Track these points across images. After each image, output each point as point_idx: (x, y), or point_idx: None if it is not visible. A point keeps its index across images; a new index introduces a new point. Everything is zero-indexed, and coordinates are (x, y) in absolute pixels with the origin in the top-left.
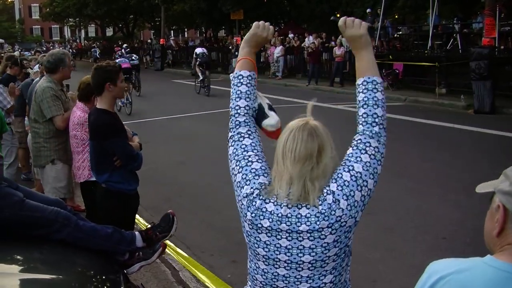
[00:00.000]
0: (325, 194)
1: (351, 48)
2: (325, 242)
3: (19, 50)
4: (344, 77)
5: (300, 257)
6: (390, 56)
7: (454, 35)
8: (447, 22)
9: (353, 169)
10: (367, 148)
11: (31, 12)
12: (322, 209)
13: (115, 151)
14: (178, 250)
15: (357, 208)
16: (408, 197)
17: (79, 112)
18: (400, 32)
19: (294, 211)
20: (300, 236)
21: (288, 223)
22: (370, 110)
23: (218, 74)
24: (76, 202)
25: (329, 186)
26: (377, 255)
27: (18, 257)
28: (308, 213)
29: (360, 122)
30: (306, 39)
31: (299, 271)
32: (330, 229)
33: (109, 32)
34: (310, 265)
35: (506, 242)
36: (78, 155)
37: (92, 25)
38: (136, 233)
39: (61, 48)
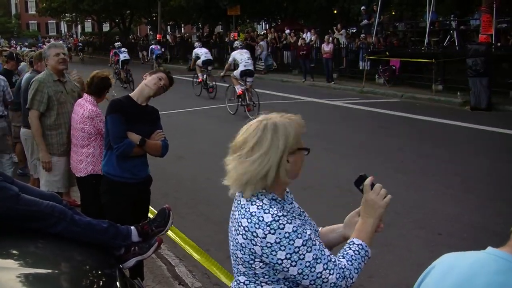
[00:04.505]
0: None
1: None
2: (253, 248)
3: (20, 45)
4: (341, 73)
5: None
6: (387, 53)
7: (451, 31)
8: (444, 19)
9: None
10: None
11: (28, 7)
12: (253, 211)
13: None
14: (177, 240)
15: (268, 256)
16: (405, 192)
17: (90, 106)
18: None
19: (247, 204)
20: (238, 230)
21: (240, 214)
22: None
23: (216, 70)
24: (72, 197)
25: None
26: (374, 250)
27: (14, 251)
28: (254, 211)
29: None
30: (304, 35)
31: (237, 264)
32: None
33: (106, 27)
34: (241, 262)
35: None
36: (83, 149)
37: (88, 20)
38: (132, 227)
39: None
